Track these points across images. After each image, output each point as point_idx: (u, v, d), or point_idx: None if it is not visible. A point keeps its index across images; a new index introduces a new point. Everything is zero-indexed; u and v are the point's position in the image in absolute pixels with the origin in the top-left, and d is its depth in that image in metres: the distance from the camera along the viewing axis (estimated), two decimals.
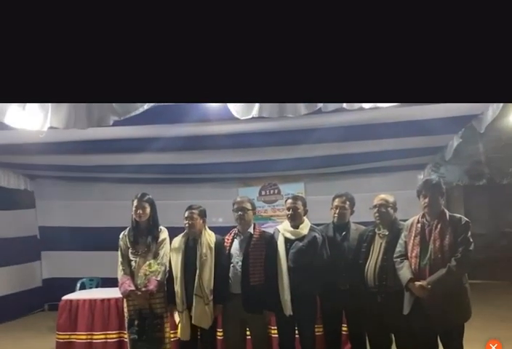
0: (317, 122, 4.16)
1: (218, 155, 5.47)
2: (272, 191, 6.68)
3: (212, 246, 3.09)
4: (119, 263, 3.14)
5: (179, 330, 3.05)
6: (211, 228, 3.30)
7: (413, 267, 2.71)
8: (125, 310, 3.11)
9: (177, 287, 3.03)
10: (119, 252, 3.17)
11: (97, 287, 5.71)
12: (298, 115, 3.00)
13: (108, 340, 3.62)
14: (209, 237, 3.14)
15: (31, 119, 3.19)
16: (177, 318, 3.05)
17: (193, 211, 3.14)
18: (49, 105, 3.15)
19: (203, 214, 3.18)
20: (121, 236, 3.21)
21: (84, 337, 3.63)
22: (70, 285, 5.44)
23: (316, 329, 3.27)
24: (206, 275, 3.00)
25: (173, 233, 3.31)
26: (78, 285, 5.64)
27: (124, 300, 3.11)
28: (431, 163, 6.11)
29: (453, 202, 7.40)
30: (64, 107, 3.21)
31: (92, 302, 3.65)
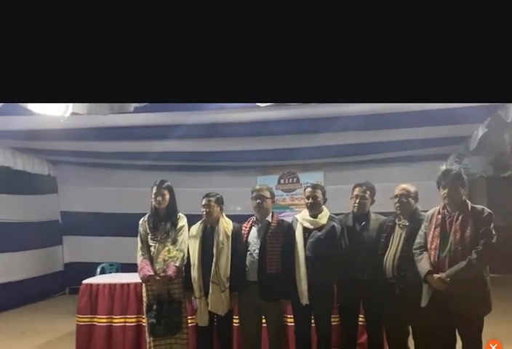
0: (338, 110, 4.12)
1: (238, 143, 5.47)
2: (291, 180, 6.66)
3: (229, 233, 3.09)
4: (138, 248, 3.18)
5: (196, 316, 3.07)
6: (229, 216, 3.30)
7: (432, 259, 2.67)
8: (144, 294, 3.15)
9: (195, 274, 3.04)
10: (139, 238, 3.20)
11: (116, 272, 5.83)
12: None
13: (127, 324, 3.68)
14: (227, 225, 3.14)
15: (54, 105, 3.25)
16: (194, 303, 3.08)
17: (210, 198, 3.14)
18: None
19: (220, 202, 3.18)
20: (140, 222, 3.24)
21: (103, 320, 3.70)
22: (90, 269, 5.57)
23: (333, 319, 3.27)
24: (223, 262, 3.01)
25: (191, 220, 3.32)
26: (99, 270, 5.76)
27: (143, 285, 3.15)
28: (454, 153, 5.99)
29: (476, 194, 7.24)
30: None
31: (112, 287, 3.72)
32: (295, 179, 6.65)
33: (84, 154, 6.04)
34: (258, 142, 5.48)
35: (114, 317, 3.69)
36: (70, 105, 3.26)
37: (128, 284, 3.72)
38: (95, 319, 3.72)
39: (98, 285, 3.75)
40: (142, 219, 3.26)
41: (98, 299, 3.72)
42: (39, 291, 6.06)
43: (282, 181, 6.61)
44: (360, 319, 3.29)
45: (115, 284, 3.72)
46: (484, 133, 4.39)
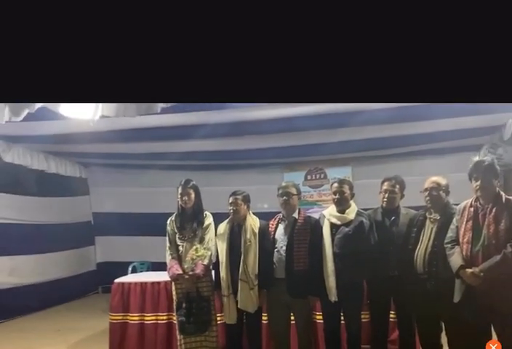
0: (364, 104, 4.03)
1: (263, 140, 5.45)
2: (318, 175, 6.60)
3: (256, 231, 3.09)
4: (167, 248, 3.21)
5: (224, 314, 3.08)
6: (256, 214, 3.30)
7: (464, 253, 2.58)
8: (173, 293, 3.19)
9: (223, 272, 3.06)
10: (167, 237, 3.24)
11: (147, 270, 5.92)
12: None
13: (159, 322, 3.73)
14: (253, 222, 3.13)
15: (84, 109, 3.31)
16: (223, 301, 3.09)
17: (237, 196, 3.14)
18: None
19: (247, 200, 3.18)
20: (168, 222, 3.28)
21: (136, 318, 3.76)
22: (122, 268, 5.68)
23: (363, 316, 3.23)
24: (251, 260, 3.01)
25: (219, 218, 3.34)
26: (130, 268, 5.86)
27: (173, 283, 3.18)
28: (488, 144, 5.79)
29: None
30: None
31: (143, 285, 3.77)
32: (322, 175, 6.59)
33: (113, 156, 6.16)
34: (283, 139, 5.44)
35: (146, 315, 3.75)
36: (99, 107, 3.32)
37: (158, 282, 3.77)
38: (128, 317, 3.78)
39: (130, 284, 3.81)
40: (169, 218, 3.29)
41: (130, 298, 3.78)
42: (73, 291, 6.23)
43: (309, 177, 6.56)
44: (391, 316, 3.24)
45: (146, 283, 3.77)
46: None
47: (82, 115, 3.33)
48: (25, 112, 3.32)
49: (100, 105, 3.27)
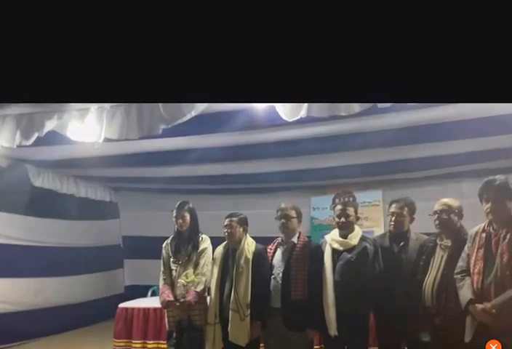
0: (390, 122, 3.77)
1: (290, 162, 5.29)
2: (347, 199, 6.26)
3: (250, 256, 2.90)
4: (161, 272, 3.10)
5: (207, 344, 2.86)
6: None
7: (475, 285, 2.25)
8: (166, 320, 3.04)
9: (211, 299, 2.88)
10: (161, 261, 3.14)
11: None
12: (352, 113, 2.74)
13: None
14: (248, 247, 2.95)
15: (88, 132, 3.34)
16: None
17: (233, 219, 2.99)
18: (104, 118, 3.27)
19: (243, 222, 3.01)
20: (164, 245, 3.18)
21: (138, 345, 3.65)
22: (148, 292, 5.61)
23: None
24: (242, 288, 2.81)
25: None
26: (150, 292, 5.78)
27: (165, 311, 3.04)
28: None
29: None
30: (118, 119, 3.30)
31: (146, 311, 3.68)
32: (351, 199, 6.24)
33: (142, 180, 6.22)
34: (311, 162, 5.26)
35: (148, 342, 3.63)
36: (102, 130, 3.33)
37: (161, 309, 3.63)
38: (131, 344, 3.67)
39: (133, 309, 3.73)
40: (165, 241, 3.19)
41: (133, 324, 3.69)
42: (100, 313, 6.20)
43: (337, 201, 6.22)
44: None
45: (148, 309, 3.67)
46: None
47: (87, 138, 3.36)
48: (35, 136, 3.41)
49: (104, 127, 3.29)
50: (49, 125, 3.32)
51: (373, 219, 6.05)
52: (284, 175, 5.78)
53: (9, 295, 5.03)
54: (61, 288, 5.76)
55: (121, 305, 3.80)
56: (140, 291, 6.12)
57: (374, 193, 5.99)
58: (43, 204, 5.70)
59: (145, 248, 6.64)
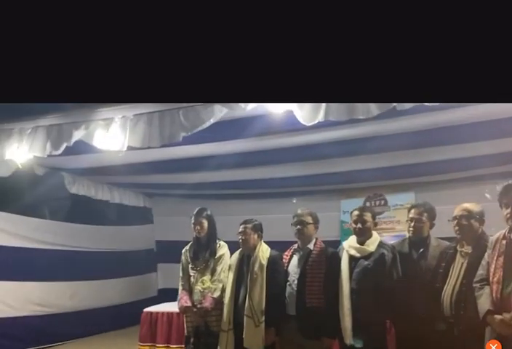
0: (427, 122, 3.65)
1: (318, 166, 5.23)
2: (378, 202, 6.13)
3: (264, 263, 2.88)
4: (180, 278, 3.13)
5: None
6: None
7: (494, 295, 2.14)
8: (185, 326, 3.08)
9: (226, 305, 2.88)
10: (180, 267, 3.17)
11: None
12: (370, 116, 2.69)
13: None
14: (263, 253, 2.94)
15: (113, 140, 3.44)
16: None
17: (247, 225, 2.99)
18: (128, 126, 3.37)
19: (257, 229, 3.01)
20: (183, 251, 3.22)
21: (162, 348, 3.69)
22: None
23: None
24: (257, 294, 2.80)
25: None
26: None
27: (184, 316, 3.08)
28: None
29: None
30: (140, 127, 3.39)
31: (170, 315, 3.73)
32: (383, 202, 6.11)
33: (175, 186, 6.33)
34: (339, 164, 5.17)
35: (171, 346, 3.68)
36: (126, 139, 3.42)
37: None
38: (155, 347, 3.73)
39: (157, 313, 3.80)
40: (184, 248, 3.23)
41: (157, 328, 3.75)
42: (135, 316, 6.33)
43: (368, 204, 6.10)
44: None
45: (172, 313, 3.71)
46: None
47: (111, 146, 3.47)
48: (64, 145, 3.55)
49: (127, 136, 3.38)
50: (77, 135, 3.44)
51: (405, 223, 5.87)
52: (312, 179, 5.73)
53: (45, 298, 5.24)
54: (96, 291, 5.94)
55: (146, 310, 3.88)
56: (172, 295, 6.17)
57: (406, 196, 5.81)
58: (79, 210, 5.90)
59: (178, 252, 6.76)
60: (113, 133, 3.32)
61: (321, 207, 6.04)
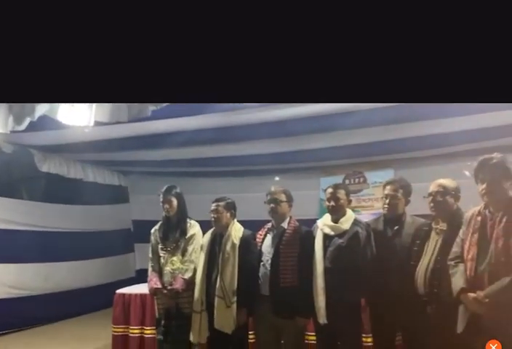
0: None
1: (296, 142, 5.12)
2: (357, 180, 6.09)
3: (237, 242, 2.79)
4: (149, 259, 3.03)
5: (193, 332, 2.78)
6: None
7: (468, 273, 2.09)
8: (155, 308, 2.99)
9: (197, 286, 2.80)
10: (150, 247, 3.06)
11: None
12: None
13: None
14: (235, 232, 2.84)
15: (78, 115, 3.28)
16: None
17: (219, 203, 2.88)
18: None
19: (230, 207, 2.90)
20: (152, 231, 3.11)
21: (136, 331, 3.62)
22: None
23: (365, 339, 2.80)
24: (228, 274, 2.72)
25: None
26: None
27: (155, 298, 2.99)
28: None
29: None
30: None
31: (143, 297, 3.63)
32: (362, 179, 6.06)
33: (151, 163, 6.15)
34: (318, 140, 5.07)
35: (145, 328, 3.60)
36: (92, 114, 3.27)
37: None
38: (129, 330, 3.65)
39: (131, 295, 3.70)
40: (154, 227, 3.11)
41: (131, 310, 3.66)
42: (111, 297, 6.28)
43: (347, 181, 6.06)
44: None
45: (146, 294, 3.61)
46: None
47: (77, 122, 3.30)
48: (27, 120, 3.37)
49: (93, 111, 3.24)
50: (40, 109, 3.27)
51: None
52: (290, 156, 5.62)
53: (19, 280, 5.12)
54: (72, 272, 5.83)
55: (119, 291, 3.79)
56: None
57: (386, 173, 5.74)
58: (52, 190, 5.73)
59: None
60: (78, 107, 3.17)
61: (301, 185, 6.04)
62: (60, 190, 5.85)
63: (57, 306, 5.45)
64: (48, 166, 5.57)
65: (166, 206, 2.98)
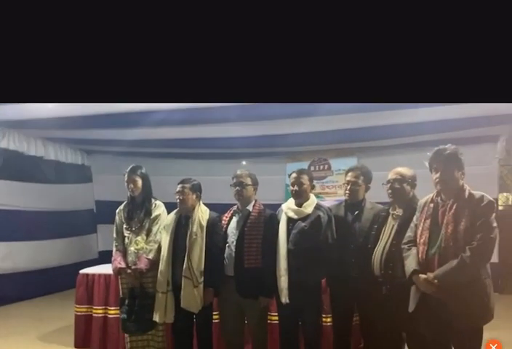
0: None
1: (264, 127, 5.16)
2: (322, 167, 6.24)
3: (204, 224, 2.84)
4: (114, 239, 3.04)
5: (159, 312, 2.82)
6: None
7: (420, 256, 2.24)
8: (119, 287, 3.02)
9: (162, 266, 2.83)
10: (114, 227, 3.07)
11: None
12: None
13: None
14: (202, 214, 2.89)
15: None
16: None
17: (185, 185, 2.90)
18: None
19: (196, 189, 2.93)
20: (117, 211, 3.11)
21: (100, 311, 3.63)
22: None
23: (325, 319, 2.93)
24: (196, 255, 2.77)
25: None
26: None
27: (118, 278, 3.01)
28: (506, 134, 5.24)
29: None
30: None
31: (107, 277, 3.63)
32: (326, 166, 6.22)
33: (115, 143, 6.04)
34: (285, 126, 5.13)
35: (109, 308, 3.60)
36: None
37: None
38: (92, 310, 3.66)
39: (94, 275, 3.69)
40: (119, 207, 3.12)
41: (94, 290, 3.66)
42: (73, 279, 6.21)
43: (312, 168, 6.21)
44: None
45: (110, 275, 3.61)
46: None
47: None
48: None
49: None
50: None
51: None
52: (258, 140, 5.67)
53: None
54: (31, 252, 5.71)
55: (82, 271, 3.76)
56: None
57: (349, 161, 5.92)
58: (10, 166, 5.51)
59: None
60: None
61: (268, 170, 6.13)
62: (18, 168, 5.67)
63: (15, 287, 5.35)
64: (7, 142, 5.40)
65: (131, 185, 2.98)
